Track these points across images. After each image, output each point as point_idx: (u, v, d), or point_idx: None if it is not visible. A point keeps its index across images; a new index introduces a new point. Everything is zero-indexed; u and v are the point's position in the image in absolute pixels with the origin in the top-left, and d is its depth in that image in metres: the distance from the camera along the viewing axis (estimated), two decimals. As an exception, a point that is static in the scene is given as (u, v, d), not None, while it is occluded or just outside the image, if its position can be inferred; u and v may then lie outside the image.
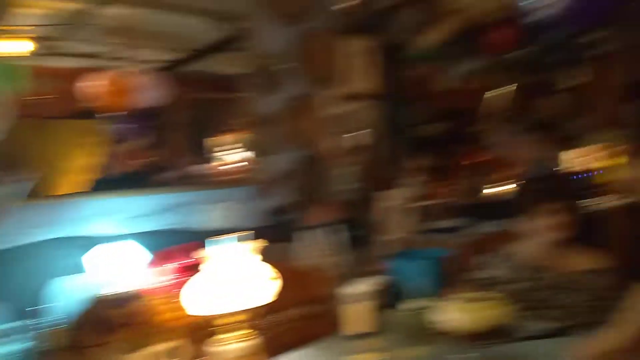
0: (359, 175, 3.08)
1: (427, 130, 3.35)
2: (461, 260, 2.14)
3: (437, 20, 3.04)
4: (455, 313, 1.43)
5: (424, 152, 3.53)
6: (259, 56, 2.65)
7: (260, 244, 1.37)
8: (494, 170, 3.98)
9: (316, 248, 2.62)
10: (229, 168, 2.66)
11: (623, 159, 1.45)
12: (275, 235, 2.63)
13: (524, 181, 2.15)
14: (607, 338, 1.27)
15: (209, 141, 2.69)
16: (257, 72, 2.64)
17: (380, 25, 3.06)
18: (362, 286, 1.75)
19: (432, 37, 3.05)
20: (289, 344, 1.70)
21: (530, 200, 1.89)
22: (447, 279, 2.12)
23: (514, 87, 4.10)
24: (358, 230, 3.03)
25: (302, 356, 1.62)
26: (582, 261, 1.85)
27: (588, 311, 1.72)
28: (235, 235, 1.38)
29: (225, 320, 1.35)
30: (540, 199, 1.85)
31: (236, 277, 1.32)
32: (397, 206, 3.15)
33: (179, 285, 1.91)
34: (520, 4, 1.93)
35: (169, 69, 2.51)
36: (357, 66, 3.10)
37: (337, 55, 3.00)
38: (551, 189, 1.90)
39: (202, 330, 1.47)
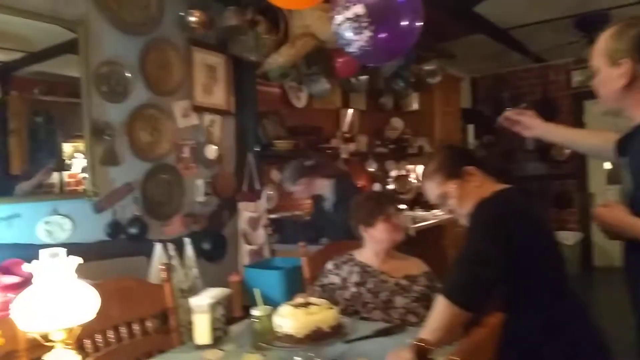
0: (211, 187, 3.09)
1: (279, 146, 3.47)
2: (309, 269, 2.27)
3: (289, 41, 3.19)
4: (287, 319, 1.53)
5: (279, 166, 3.66)
6: (102, 63, 2.55)
7: (80, 260, 1.32)
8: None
9: (164, 261, 2.58)
10: (70, 178, 2.51)
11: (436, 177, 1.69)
12: (120, 249, 2.55)
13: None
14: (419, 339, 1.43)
15: (49, 149, 2.51)
16: (101, 79, 2.54)
17: (231, 41, 3.12)
18: (210, 297, 1.77)
19: (284, 57, 3.19)
20: (130, 357, 1.67)
21: (365, 213, 2.09)
22: (297, 287, 2.24)
23: (356, 108, 4.44)
24: (211, 243, 3.04)
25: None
26: (409, 266, 2.08)
27: (413, 312, 1.94)
28: (64, 250, 1.33)
29: (54, 338, 1.29)
30: (373, 212, 2.06)
31: (60, 294, 1.27)
32: (250, 218, 3.23)
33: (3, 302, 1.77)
34: (337, 36, 2.13)
35: (2, 70, 2.31)
36: (207, 80, 3.13)
37: (187, 68, 3.00)
38: (383, 203, 2.09)
39: (30, 348, 1.38)
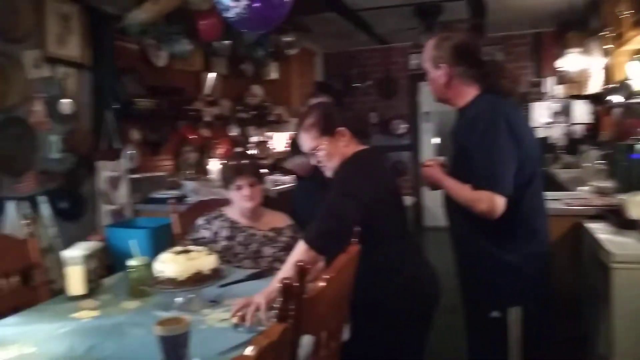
0: (66, 144, 2.94)
1: (142, 104, 3.40)
2: (179, 225, 2.35)
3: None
4: (167, 265, 1.63)
5: (140, 125, 3.58)
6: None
7: None
8: (213, 147, 4.34)
9: (21, 219, 2.44)
10: None
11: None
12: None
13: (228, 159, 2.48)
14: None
15: None
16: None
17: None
18: (80, 251, 1.78)
19: (146, 13, 3.12)
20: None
21: (223, 177, 2.24)
22: (164, 246, 2.30)
23: (217, 72, 4.47)
24: (68, 201, 2.91)
25: (21, 319, 1.58)
26: (275, 220, 2.29)
27: (279, 260, 2.15)
28: None
29: None
30: (229, 179, 2.20)
31: None
32: (110, 177, 3.14)
33: None
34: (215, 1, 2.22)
35: None
36: (60, 30, 2.93)
37: (38, 16, 2.79)
38: (246, 165, 2.24)
39: None
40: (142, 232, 2.73)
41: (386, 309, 1.72)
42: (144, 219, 3.02)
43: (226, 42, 4.16)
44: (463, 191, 1.71)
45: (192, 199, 3.20)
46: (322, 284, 1.15)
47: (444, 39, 1.80)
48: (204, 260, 1.71)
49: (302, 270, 1.09)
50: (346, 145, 1.81)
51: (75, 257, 1.75)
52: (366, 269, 1.57)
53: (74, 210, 2.95)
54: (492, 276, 1.74)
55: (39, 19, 2.80)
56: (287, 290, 0.97)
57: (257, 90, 5.10)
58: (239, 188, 2.17)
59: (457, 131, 1.83)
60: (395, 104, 6.82)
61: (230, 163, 2.28)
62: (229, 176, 2.20)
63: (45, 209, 2.70)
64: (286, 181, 4.36)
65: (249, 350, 0.73)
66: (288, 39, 4.79)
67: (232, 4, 2.11)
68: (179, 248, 1.77)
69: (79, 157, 3.03)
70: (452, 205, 1.81)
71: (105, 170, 3.13)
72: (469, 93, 1.79)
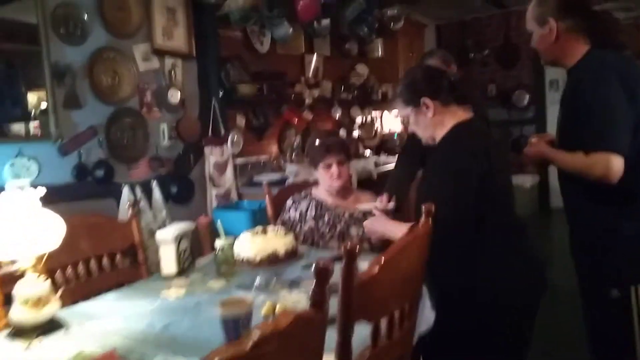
0: (175, 132, 3.14)
1: (243, 90, 3.50)
2: (272, 207, 2.38)
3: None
4: (244, 245, 1.65)
5: (244, 111, 3.71)
6: (59, 5, 2.52)
7: (41, 193, 1.40)
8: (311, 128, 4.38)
9: (131, 202, 2.65)
10: (36, 128, 2.52)
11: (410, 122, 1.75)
12: (87, 192, 2.61)
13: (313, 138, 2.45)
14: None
15: (13, 97, 2.51)
16: (59, 21, 2.51)
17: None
18: (175, 230, 1.86)
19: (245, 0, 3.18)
20: (101, 289, 1.77)
21: (311, 156, 2.21)
22: (267, 223, 2.35)
23: (320, 54, 4.44)
24: (178, 186, 3.12)
25: (118, 295, 1.70)
26: (362, 200, 2.21)
27: (366, 240, 2.08)
28: (27, 181, 1.40)
29: (24, 265, 1.38)
30: (316, 157, 2.17)
31: (27, 223, 1.34)
32: (217, 162, 3.30)
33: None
34: None
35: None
36: (166, 23, 3.11)
37: (146, 10, 2.98)
38: (327, 151, 2.17)
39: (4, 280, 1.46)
40: (244, 214, 2.83)
41: (483, 296, 1.54)
42: (247, 202, 3.13)
43: (326, 21, 4.09)
44: (575, 159, 1.58)
45: (291, 181, 3.24)
46: (375, 267, 1.06)
47: None
48: (280, 241, 1.70)
49: (351, 254, 1.01)
50: (439, 115, 1.61)
51: (166, 238, 1.84)
52: (459, 255, 1.49)
53: (184, 194, 3.15)
54: (611, 250, 1.62)
55: (147, 14, 2.99)
56: (321, 274, 0.89)
57: (361, 69, 4.99)
58: (328, 166, 2.14)
59: (565, 95, 1.70)
60: (516, 73, 6.25)
61: (318, 142, 2.25)
62: (317, 155, 2.18)
63: (157, 193, 2.92)
64: (389, 161, 4.23)
65: (251, 336, 0.68)
66: (392, 12, 4.59)
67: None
68: (257, 229, 1.79)
69: (188, 144, 3.22)
70: (566, 176, 1.73)
71: (212, 156, 3.29)
72: (579, 50, 1.65)
